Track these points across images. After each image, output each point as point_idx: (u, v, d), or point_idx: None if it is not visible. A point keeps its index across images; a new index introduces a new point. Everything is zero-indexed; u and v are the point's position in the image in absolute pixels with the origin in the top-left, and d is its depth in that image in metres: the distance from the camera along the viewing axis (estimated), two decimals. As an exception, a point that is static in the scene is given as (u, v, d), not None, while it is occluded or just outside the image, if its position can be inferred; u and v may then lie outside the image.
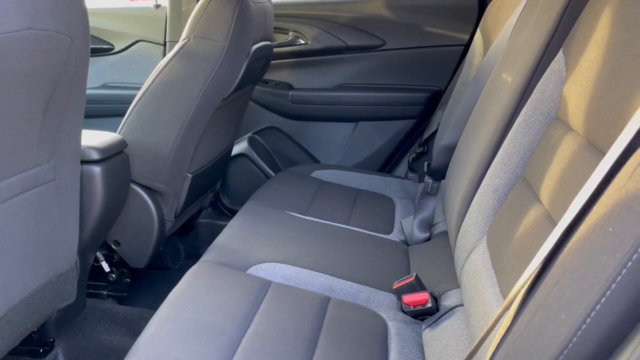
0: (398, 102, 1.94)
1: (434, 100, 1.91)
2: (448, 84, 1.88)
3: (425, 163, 1.48)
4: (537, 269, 0.56)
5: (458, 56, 1.88)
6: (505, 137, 0.99)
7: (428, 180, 1.44)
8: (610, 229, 0.45)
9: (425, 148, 1.81)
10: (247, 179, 2.02)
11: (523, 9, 1.20)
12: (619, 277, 0.41)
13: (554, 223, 0.74)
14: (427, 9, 1.91)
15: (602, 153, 0.69)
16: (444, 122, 1.64)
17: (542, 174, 0.84)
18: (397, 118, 1.95)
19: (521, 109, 0.97)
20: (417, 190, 1.77)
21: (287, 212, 1.46)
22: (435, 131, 1.77)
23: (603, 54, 0.77)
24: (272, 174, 2.01)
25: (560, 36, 0.94)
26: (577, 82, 0.84)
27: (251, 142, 2.04)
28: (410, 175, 1.87)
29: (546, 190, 0.80)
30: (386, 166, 2.00)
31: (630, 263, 0.41)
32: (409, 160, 1.89)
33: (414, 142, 1.96)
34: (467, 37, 1.86)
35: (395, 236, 1.44)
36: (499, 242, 0.90)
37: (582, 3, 0.91)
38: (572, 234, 0.54)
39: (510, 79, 1.04)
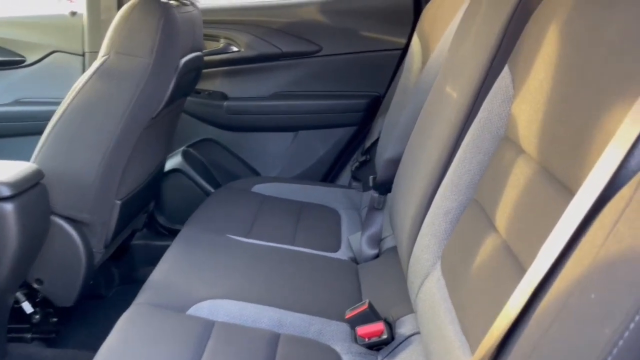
0: (337, 109, 1.89)
1: (374, 106, 1.87)
2: (387, 89, 1.85)
3: (371, 177, 1.43)
4: (508, 327, 0.51)
5: (396, 61, 1.85)
6: (453, 157, 0.95)
7: (374, 194, 1.40)
8: (593, 296, 0.41)
9: (368, 157, 1.77)
10: (183, 196, 1.91)
11: (462, 18, 1.17)
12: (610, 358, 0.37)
13: (513, 256, 0.70)
14: (363, 12, 1.86)
15: (559, 182, 0.65)
16: (386, 131, 1.60)
17: (495, 198, 0.80)
18: (338, 125, 1.90)
19: (468, 127, 0.93)
20: (361, 200, 1.73)
21: (228, 235, 1.37)
22: (378, 139, 1.73)
23: (552, 75, 0.73)
24: (210, 188, 1.90)
25: (504, 51, 0.90)
26: (526, 101, 0.80)
27: (186, 156, 1.93)
28: (354, 184, 1.83)
29: (502, 218, 0.76)
30: (329, 176, 1.94)
31: (621, 342, 0.36)
32: (352, 168, 1.85)
33: (355, 150, 1.91)
34: (404, 41, 1.83)
35: (343, 253, 1.39)
36: (455, 270, 0.85)
37: (525, 16, 0.88)
38: (546, 287, 0.49)
39: (455, 95, 1.01)
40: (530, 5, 0.88)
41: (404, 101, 1.53)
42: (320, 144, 1.91)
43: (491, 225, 0.79)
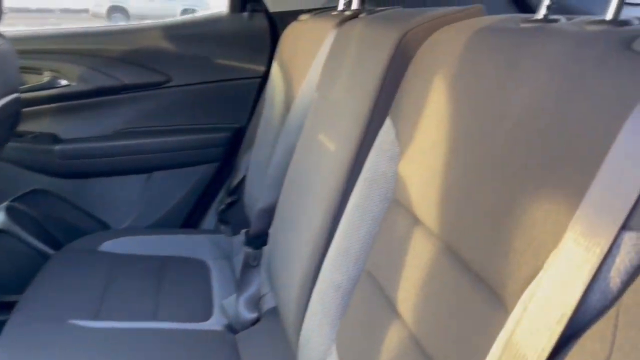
0: (195, 145, 1.69)
1: (237, 140, 1.71)
2: (249, 119, 1.70)
3: (243, 232, 1.27)
4: None
5: (255, 89, 1.70)
6: (338, 221, 0.83)
7: (247, 249, 1.24)
8: None
9: (236, 196, 1.60)
10: (13, 262, 1.57)
11: (330, 55, 1.06)
12: None
13: (425, 356, 0.59)
14: (215, 37, 1.69)
15: (474, 273, 0.55)
16: (254, 171, 1.46)
17: (394, 277, 0.69)
18: (197, 163, 1.70)
19: (352, 186, 0.82)
20: (232, 245, 1.56)
21: (70, 321, 1.11)
22: (245, 177, 1.57)
23: (445, 136, 0.64)
24: (48, 250, 1.59)
25: (385, 101, 0.80)
26: (414, 162, 0.70)
27: (11, 212, 1.59)
28: (222, 227, 1.64)
29: (405, 304, 0.65)
30: (191, 220, 1.74)
31: None
32: (217, 210, 1.66)
33: (220, 189, 1.73)
34: (262, 68, 1.70)
35: (216, 322, 1.21)
36: (355, 358, 0.73)
37: (405, 61, 0.78)
38: None
39: (332, 148, 0.89)
40: (409, 50, 0.79)
41: (271, 139, 1.39)
42: (179, 185, 1.70)
43: (392, 310, 0.68)
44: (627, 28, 0.47)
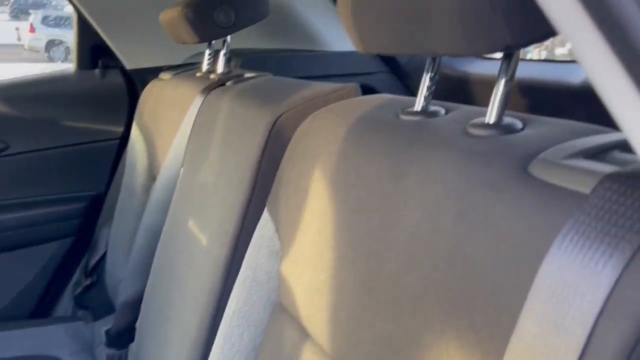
0: (44, 220, 1.47)
1: (95, 209, 1.52)
2: (108, 185, 1.52)
3: (104, 331, 1.10)
4: None
5: (114, 152, 1.53)
6: (216, 327, 0.73)
7: (109, 351, 1.07)
8: None
9: (95, 277, 1.41)
10: None
11: (194, 130, 0.96)
12: None
13: None
14: (62, 98, 1.49)
15: None
16: (115, 250, 1.29)
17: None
18: (47, 240, 1.47)
19: (230, 287, 0.72)
20: (93, 333, 1.35)
21: None
22: (105, 253, 1.39)
23: (324, 240, 0.57)
24: None
25: (261, 191, 0.72)
26: (296, 262, 0.63)
27: None
28: (80, 312, 1.43)
29: None
30: (42, 308, 1.49)
31: None
32: (73, 293, 1.45)
33: (75, 268, 1.52)
34: (120, 129, 1.53)
35: None
36: None
37: (280, 148, 0.71)
38: None
39: (204, 240, 0.78)
40: (284, 133, 0.72)
41: (134, 213, 1.24)
42: (25, 268, 1.46)
43: None
44: (513, 138, 0.45)
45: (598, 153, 0.38)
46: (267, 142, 0.72)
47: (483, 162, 0.42)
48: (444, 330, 0.41)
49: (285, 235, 0.66)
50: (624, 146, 0.38)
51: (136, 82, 1.51)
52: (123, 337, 1.07)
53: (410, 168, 0.49)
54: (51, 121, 1.48)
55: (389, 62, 1.33)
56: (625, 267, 0.29)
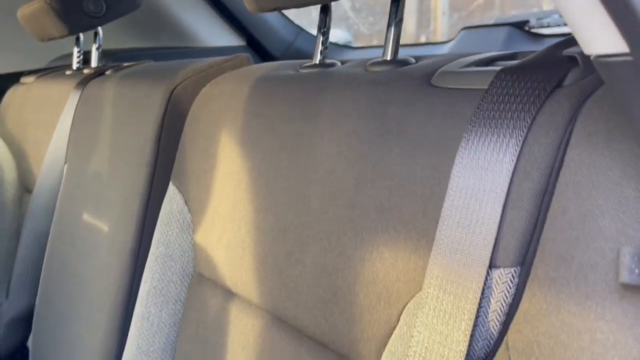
0: None
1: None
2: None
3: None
4: None
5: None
6: (131, 315, 0.69)
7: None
8: None
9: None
10: None
11: (76, 118, 0.91)
12: None
13: None
14: None
15: (303, 334, 0.50)
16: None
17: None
18: None
19: (141, 271, 0.69)
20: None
21: None
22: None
23: (243, 198, 0.58)
24: None
25: (163, 165, 0.71)
26: (213, 228, 0.63)
27: None
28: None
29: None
30: None
31: None
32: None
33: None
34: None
35: None
36: None
37: (179, 120, 0.70)
38: None
39: (106, 228, 0.74)
40: (180, 107, 0.71)
41: (8, 228, 1.13)
42: None
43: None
44: (411, 67, 0.49)
45: (488, 62, 0.43)
46: (164, 116, 0.70)
47: (390, 85, 0.46)
48: (374, 242, 0.44)
49: (196, 204, 0.65)
50: (510, 57, 0.44)
51: (-7, 89, 1.37)
52: (14, 357, 0.96)
53: (320, 109, 0.52)
54: None
55: (265, 56, 1.36)
56: (532, 124, 0.33)
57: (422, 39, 1.79)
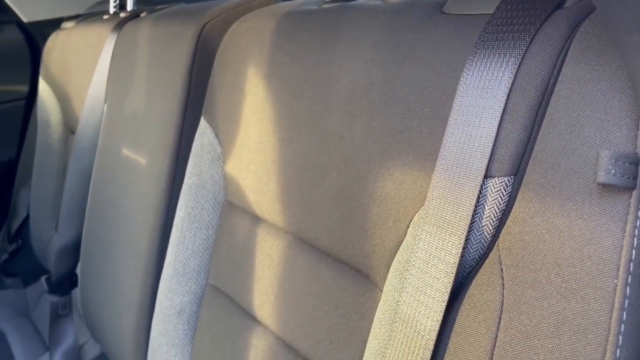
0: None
1: (8, 175, 1.44)
2: (19, 150, 1.45)
3: (43, 279, 1.07)
4: None
5: (21, 113, 1.46)
6: (167, 239, 0.75)
7: (52, 298, 1.05)
8: None
9: (20, 242, 1.36)
10: None
11: (114, 60, 0.95)
12: None
13: (297, 354, 0.57)
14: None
15: (324, 253, 0.55)
16: (38, 206, 1.25)
17: (241, 282, 0.65)
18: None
19: (176, 198, 0.75)
20: (26, 299, 1.32)
21: None
22: (27, 218, 1.34)
23: (269, 129, 0.62)
24: None
25: (194, 102, 0.75)
26: (242, 159, 0.67)
27: None
28: (9, 281, 1.38)
29: (261, 306, 0.62)
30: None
31: None
32: (-1, 262, 1.39)
33: (-5, 235, 1.45)
34: (24, 88, 1.46)
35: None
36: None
37: (208, 58, 0.74)
38: None
39: (143, 161, 0.80)
40: (210, 44, 0.74)
41: (55, 168, 1.21)
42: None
43: (250, 319, 0.64)
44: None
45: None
46: (195, 52, 0.74)
47: (404, 13, 0.47)
48: (386, 165, 0.47)
49: (225, 137, 0.69)
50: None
51: (36, 36, 1.43)
52: (64, 283, 1.06)
53: (339, 38, 0.54)
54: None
55: None
56: (531, 43, 0.35)
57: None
